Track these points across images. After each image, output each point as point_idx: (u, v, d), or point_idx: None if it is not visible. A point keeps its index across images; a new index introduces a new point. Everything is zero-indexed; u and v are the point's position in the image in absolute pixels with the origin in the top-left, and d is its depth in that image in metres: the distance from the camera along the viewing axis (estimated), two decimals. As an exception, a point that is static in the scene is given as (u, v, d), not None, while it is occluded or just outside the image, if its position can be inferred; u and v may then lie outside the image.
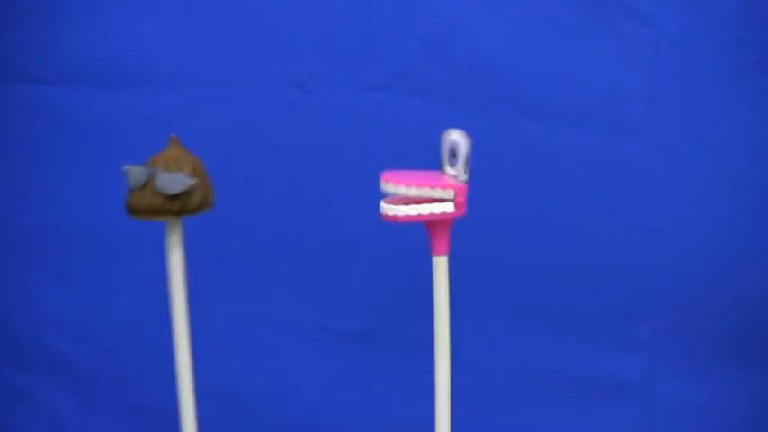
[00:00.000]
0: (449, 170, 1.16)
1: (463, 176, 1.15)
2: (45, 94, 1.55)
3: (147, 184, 1.16)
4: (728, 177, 1.47)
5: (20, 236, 1.59)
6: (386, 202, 1.13)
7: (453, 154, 1.16)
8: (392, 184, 1.12)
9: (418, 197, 1.13)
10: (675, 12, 1.44)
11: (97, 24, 1.54)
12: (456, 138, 1.16)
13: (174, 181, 1.16)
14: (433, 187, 1.13)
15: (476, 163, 1.50)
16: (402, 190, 1.12)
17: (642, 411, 1.53)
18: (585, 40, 1.46)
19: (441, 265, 1.17)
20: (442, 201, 1.14)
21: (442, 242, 1.16)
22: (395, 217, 1.12)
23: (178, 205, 1.17)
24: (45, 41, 1.54)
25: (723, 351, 1.51)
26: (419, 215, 1.13)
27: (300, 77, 1.52)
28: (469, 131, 1.50)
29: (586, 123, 1.48)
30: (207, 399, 1.57)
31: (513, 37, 1.48)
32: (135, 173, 1.16)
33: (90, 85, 1.54)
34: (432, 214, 1.13)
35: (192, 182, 1.17)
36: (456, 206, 1.14)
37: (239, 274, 1.57)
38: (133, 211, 1.17)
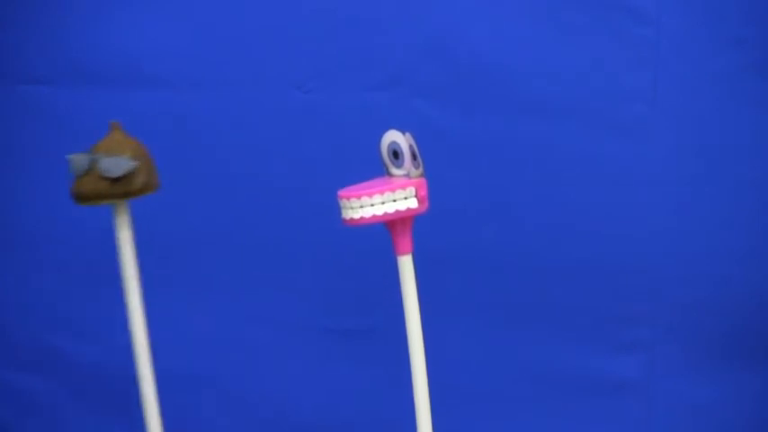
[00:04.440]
0: (396, 171, 1.16)
1: (416, 172, 1.16)
2: (45, 94, 1.55)
3: (91, 170, 1.17)
4: (729, 177, 1.47)
5: (19, 236, 1.58)
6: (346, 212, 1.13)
7: (396, 155, 1.16)
8: (354, 198, 1.12)
9: (383, 204, 1.13)
10: (675, 11, 1.43)
11: (97, 24, 1.54)
12: (394, 138, 1.16)
13: (117, 164, 1.17)
14: (393, 190, 1.13)
15: (476, 163, 1.51)
16: (367, 201, 1.12)
17: (642, 411, 1.53)
18: (586, 39, 1.46)
19: (407, 265, 1.17)
20: (405, 199, 1.14)
21: (405, 241, 1.16)
22: (361, 219, 1.12)
23: (121, 188, 1.18)
24: (45, 41, 1.54)
25: (724, 351, 1.50)
26: (385, 213, 1.13)
27: (300, 77, 1.52)
28: (469, 131, 1.52)
29: (586, 123, 1.48)
30: (202, 398, 1.59)
31: (513, 37, 1.48)
32: (78, 160, 1.17)
33: (90, 86, 1.54)
34: (397, 211, 1.13)
35: (133, 164, 1.18)
36: (419, 201, 1.15)
37: (237, 273, 1.57)
38: (78, 197, 1.19)
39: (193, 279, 1.58)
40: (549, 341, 1.52)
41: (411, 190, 1.14)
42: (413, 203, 1.14)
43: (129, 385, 1.58)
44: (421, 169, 1.16)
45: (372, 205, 1.12)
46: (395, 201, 1.13)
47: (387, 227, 1.16)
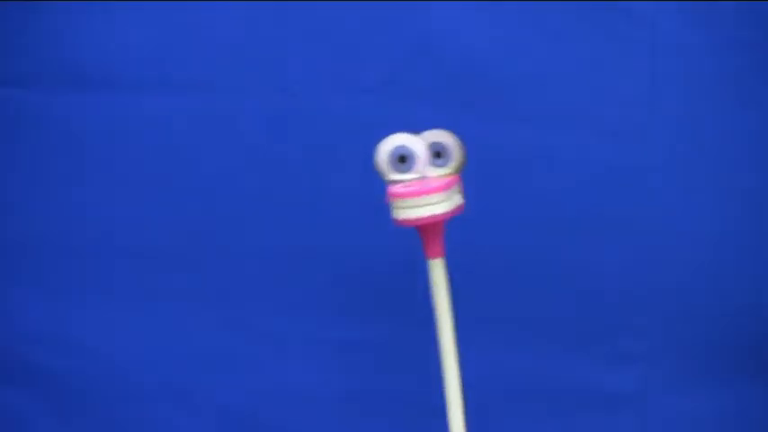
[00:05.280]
0: (433, 171, 1.17)
1: (439, 171, 1.18)
2: (17, 97, 1.52)
3: None
4: (727, 184, 1.45)
5: (-1, 247, 1.56)
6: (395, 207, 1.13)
7: (439, 155, 1.17)
8: (415, 197, 1.12)
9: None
10: (672, 13, 1.42)
11: (73, 25, 1.50)
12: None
13: None
14: (449, 188, 1.14)
15: (469, 167, 1.49)
16: (435, 198, 1.12)
17: (638, 426, 1.51)
18: (581, 42, 1.44)
19: (438, 269, 1.16)
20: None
21: (438, 243, 1.16)
22: (432, 216, 1.12)
23: None
24: (16, 43, 1.51)
25: (723, 364, 1.48)
26: (444, 212, 1.13)
27: (289, 79, 1.49)
28: (462, 135, 1.48)
29: (583, 127, 1.46)
30: (191, 413, 1.57)
31: (507, 40, 1.45)
32: None
33: (72, 89, 1.51)
34: (453, 209, 1.15)
35: None
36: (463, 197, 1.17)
37: (227, 280, 1.55)
38: None
39: (182, 285, 1.55)
40: (541, 353, 1.50)
41: (457, 186, 1.16)
42: (460, 199, 1.16)
43: (115, 400, 1.58)
44: (448, 167, 1.17)
45: (432, 204, 1.12)
46: (453, 196, 1.15)
47: (418, 230, 1.16)
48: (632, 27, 1.42)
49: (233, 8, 1.48)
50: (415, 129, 1.42)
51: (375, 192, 1.49)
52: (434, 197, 1.12)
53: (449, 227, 1.50)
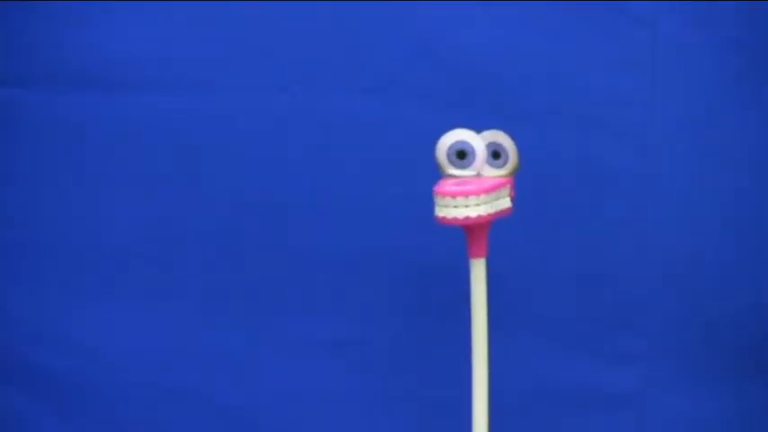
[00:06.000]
0: (491, 171, 1.18)
1: (495, 171, 1.18)
2: (18, 97, 1.51)
3: None
4: (728, 184, 1.44)
5: (-2, 248, 1.56)
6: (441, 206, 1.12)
7: (497, 155, 1.17)
8: (461, 197, 1.11)
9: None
10: (673, 14, 1.41)
11: (73, 26, 1.50)
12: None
13: None
14: (497, 188, 1.14)
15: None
16: (473, 201, 1.11)
17: (638, 426, 1.50)
18: (581, 42, 1.43)
19: (479, 268, 1.17)
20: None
21: (482, 243, 1.16)
22: (466, 219, 1.11)
23: None
24: (18, 43, 1.50)
25: (724, 364, 1.48)
26: (488, 214, 1.13)
27: (287, 80, 1.49)
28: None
29: (583, 128, 1.45)
30: (191, 413, 1.57)
31: (506, 40, 1.45)
32: None
33: (72, 89, 1.51)
34: (498, 211, 1.15)
35: None
36: (511, 200, 1.17)
37: (228, 280, 1.54)
38: None
39: (186, 287, 1.55)
40: (541, 353, 1.50)
41: (507, 188, 1.16)
42: (507, 202, 1.16)
43: (115, 400, 1.57)
44: (505, 169, 1.17)
45: (478, 205, 1.12)
46: (497, 200, 1.14)
47: (464, 228, 1.16)
48: (632, 27, 1.42)
49: (233, 8, 1.48)
50: (413, 130, 1.42)
51: (374, 191, 1.50)
52: (480, 198, 1.12)
53: (447, 227, 1.50)
